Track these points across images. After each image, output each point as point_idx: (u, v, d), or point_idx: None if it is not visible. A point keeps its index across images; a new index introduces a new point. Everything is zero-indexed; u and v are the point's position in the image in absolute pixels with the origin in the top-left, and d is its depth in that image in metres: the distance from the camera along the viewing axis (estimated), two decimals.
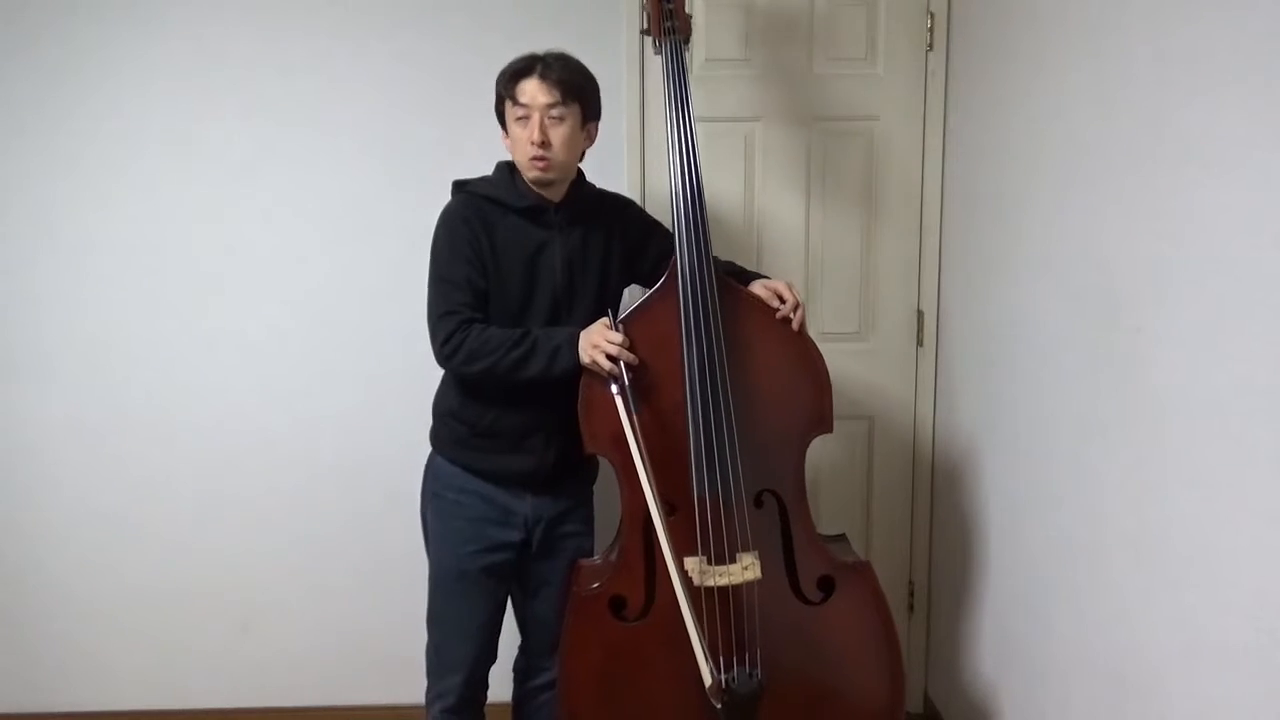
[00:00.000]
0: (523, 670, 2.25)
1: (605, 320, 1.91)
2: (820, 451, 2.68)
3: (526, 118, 1.91)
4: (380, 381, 2.60)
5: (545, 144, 1.91)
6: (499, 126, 2.02)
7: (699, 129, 2.52)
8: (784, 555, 2.01)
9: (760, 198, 2.59)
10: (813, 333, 2.60)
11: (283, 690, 2.76)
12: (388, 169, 2.55)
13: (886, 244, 2.61)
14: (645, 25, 2.07)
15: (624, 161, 2.53)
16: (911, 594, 2.75)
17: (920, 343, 2.65)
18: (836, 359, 2.62)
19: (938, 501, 2.68)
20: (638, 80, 2.52)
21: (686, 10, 2.06)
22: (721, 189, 2.58)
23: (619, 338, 1.86)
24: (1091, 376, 1.82)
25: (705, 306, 1.90)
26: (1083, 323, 1.85)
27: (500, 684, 2.23)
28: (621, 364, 1.85)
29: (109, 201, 2.56)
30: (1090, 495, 1.84)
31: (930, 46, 2.52)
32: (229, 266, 2.60)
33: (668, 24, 2.00)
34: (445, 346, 1.92)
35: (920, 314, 2.64)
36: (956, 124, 2.50)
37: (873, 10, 2.52)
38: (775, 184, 2.58)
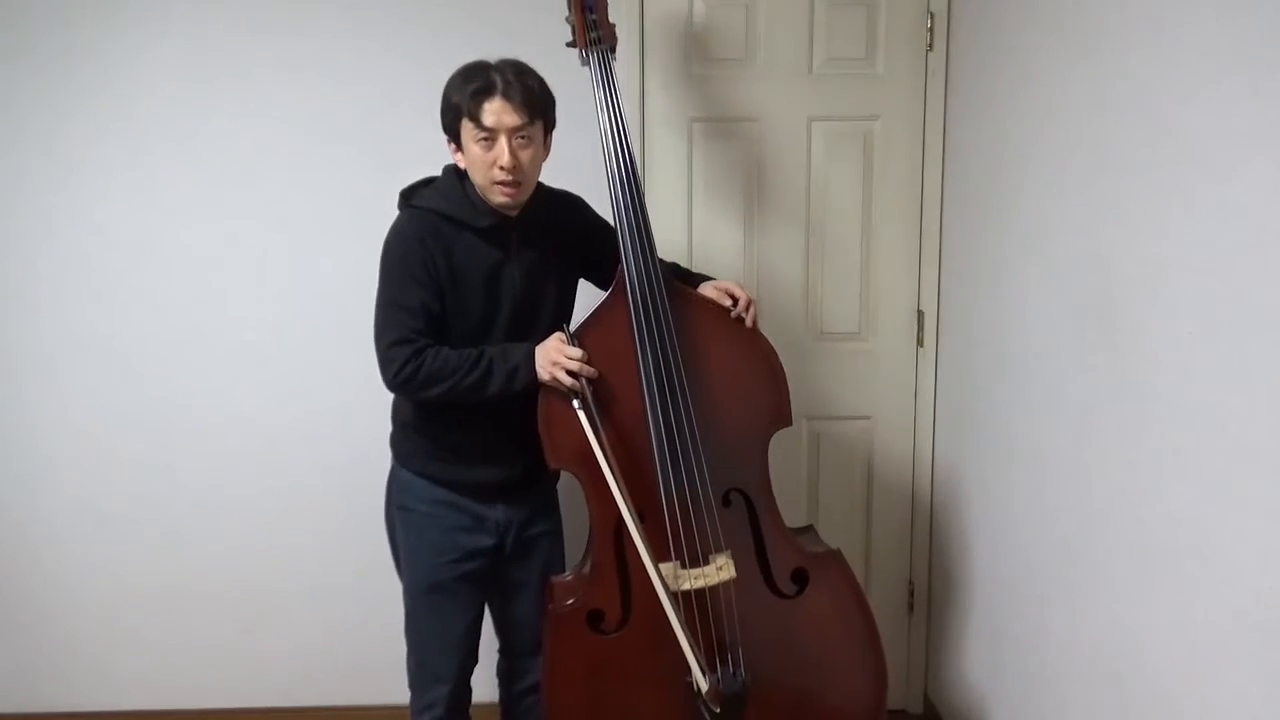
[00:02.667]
0: (505, 673, 2.24)
1: (560, 335, 1.88)
2: (820, 452, 2.69)
3: (490, 140, 1.83)
4: (381, 381, 2.60)
5: (516, 168, 1.83)
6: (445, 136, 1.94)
7: (698, 129, 2.56)
8: (756, 552, 2.02)
9: (760, 198, 2.59)
10: (813, 333, 2.64)
11: (283, 690, 2.76)
12: (388, 167, 2.52)
13: (886, 244, 2.61)
14: (571, 38, 2.06)
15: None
16: (911, 594, 2.75)
17: (920, 343, 2.65)
18: (836, 359, 2.65)
19: (937, 501, 2.68)
20: (637, 76, 2.52)
21: (611, 19, 2.07)
22: (721, 189, 2.58)
23: (578, 353, 1.85)
24: (1090, 376, 1.82)
25: (656, 311, 1.90)
26: (1082, 322, 1.85)
27: (482, 684, 2.21)
28: (583, 379, 1.84)
29: (108, 201, 2.56)
30: (1089, 494, 1.84)
31: (930, 46, 2.52)
32: (229, 266, 2.60)
33: (593, 34, 2.01)
34: (399, 375, 1.86)
35: (920, 314, 2.64)
36: (956, 124, 2.50)
37: (873, 10, 2.51)
38: (775, 184, 2.58)
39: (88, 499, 2.67)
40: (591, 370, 1.86)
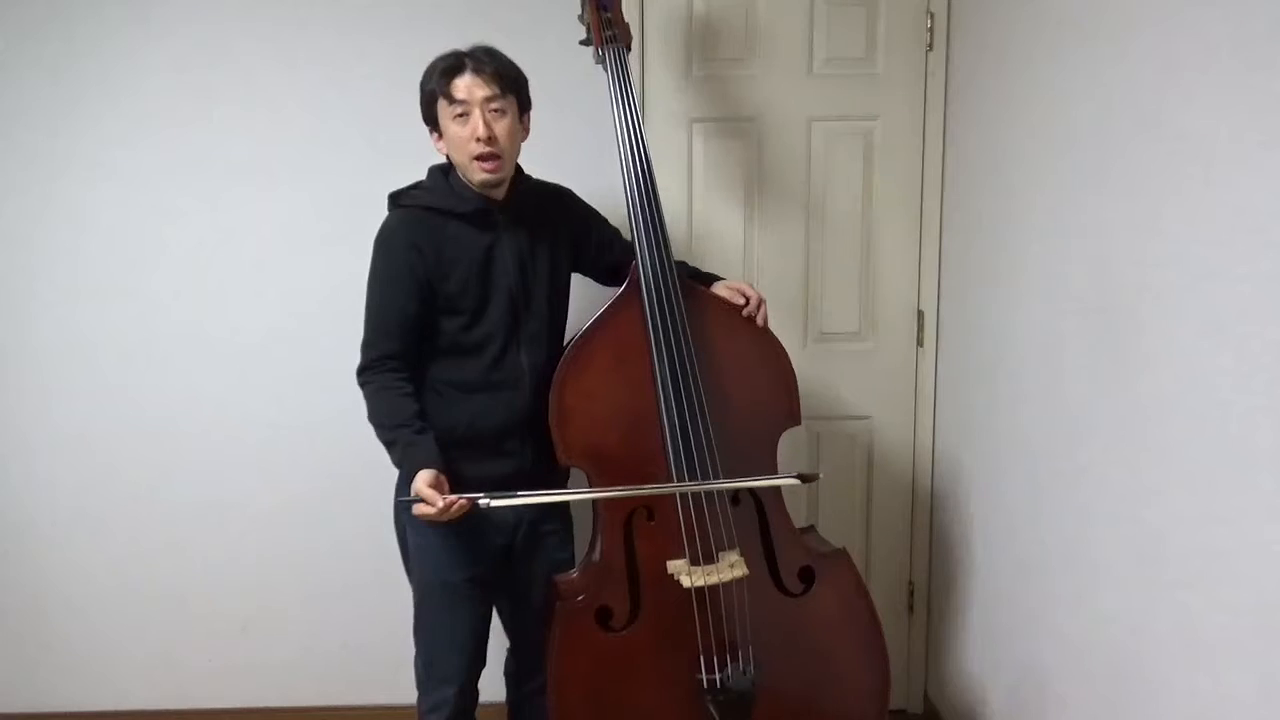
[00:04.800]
0: (514, 674, 2.24)
1: (428, 475, 1.79)
2: (820, 451, 2.69)
3: (465, 115, 1.85)
4: None
5: (492, 139, 1.85)
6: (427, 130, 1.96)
7: (698, 129, 2.56)
8: (764, 550, 2.03)
9: (760, 198, 2.59)
10: (813, 333, 2.64)
11: (282, 690, 2.76)
12: (387, 166, 2.52)
13: (886, 244, 2.61)
14: (585, 36, 2.07)
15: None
16: (911, 594, 2.75)
17: (920, 343, 2.65)
18: (836, 359, 2.65)
19: (937, 502, 2.68)
20: (638, 76, 2.51)
21: (624, 15, 2.09)
22: (721, 189, 2.58)
23: (432, 510, 1.76)
24: (1090, 376, 1.82)
25: (671, 309, 1.92)
26: (1082, 322, 1.85)
27: (490, 684, 2.21)
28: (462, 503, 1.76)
29: (104, 201, 2.55)
30: (1089, 495, 1.84)
31: (930, 46, 2.52)
32: (227, 266, 2.59)
33: (608, 33, 2.03)
34: (358, 377, 1.97)
35: (920, 314, 2.64)
36: (956, 124, 2.50)
37: (873, 10, 2.51)
38: (775, 184, 2.58)
39: (85, 501, 2.67)
40: (452, 509, 1.76)
